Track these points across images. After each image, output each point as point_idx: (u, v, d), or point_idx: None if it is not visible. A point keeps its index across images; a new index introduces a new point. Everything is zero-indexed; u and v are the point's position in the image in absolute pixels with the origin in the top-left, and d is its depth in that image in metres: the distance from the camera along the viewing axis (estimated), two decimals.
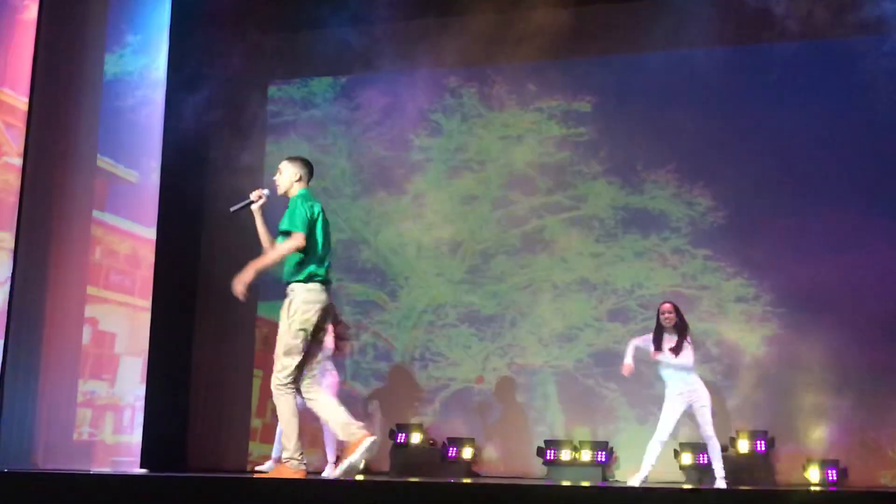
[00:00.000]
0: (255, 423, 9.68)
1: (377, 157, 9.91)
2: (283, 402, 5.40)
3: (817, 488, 7.47)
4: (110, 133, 8.59)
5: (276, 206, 5.87)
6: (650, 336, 7.55)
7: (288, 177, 5.72)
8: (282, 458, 5.51)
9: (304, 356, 5.44)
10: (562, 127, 9.54)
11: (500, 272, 9.50)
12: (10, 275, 7.78)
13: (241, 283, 5.48)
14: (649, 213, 9.23)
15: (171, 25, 9.12)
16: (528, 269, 9.44)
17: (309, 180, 5.74)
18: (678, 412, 7.38)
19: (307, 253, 5.48)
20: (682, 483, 8.11)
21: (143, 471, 8.05)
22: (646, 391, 8.64)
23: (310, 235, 5.49)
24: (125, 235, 8.68)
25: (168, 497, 4.86)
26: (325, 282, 5.53)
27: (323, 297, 5.50)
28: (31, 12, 8.20)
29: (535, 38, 9.10)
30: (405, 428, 8.97)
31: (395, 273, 9.69)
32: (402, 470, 8.70)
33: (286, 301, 5.50)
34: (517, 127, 9.67)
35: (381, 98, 9.86)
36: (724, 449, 8.23)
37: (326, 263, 5.56)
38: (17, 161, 7.92)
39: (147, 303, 8.67)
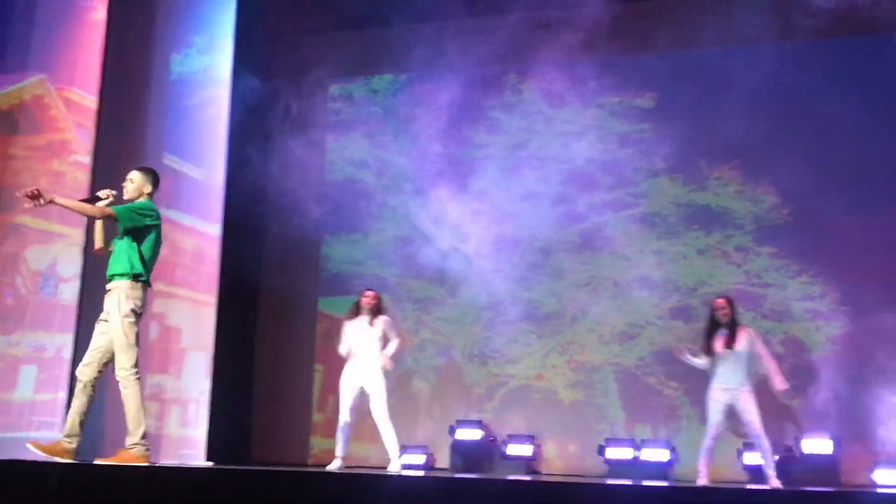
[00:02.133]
0: (317, 417, 9.78)
1: (437, 154, 9.93)
2: (133, 392, 5.75)
3: (885, 490, 7.31)
4: (176, 131, 8.73)
5: None
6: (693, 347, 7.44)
7: (136, 186, 6.01)
8: (126, 443, 5.76)
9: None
10: (624, 123, 9.48)
11: (559, 269, 9.47)
12: (80, 270, 7.95)
13: (35, 191, 5.65)
14: (713, 211, 9.13)
15: (235, 25, 9.23)
16: (588, 267, 9.39)
17: (154, 192, 6.04)
18: (721, 408, 7.27)
19: (134, 253, 5.80)
20: (746, 483, 8.00)
21: (209, 464, 8.17)
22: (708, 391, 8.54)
23: (139, 238, 5.83)
24: (191, 232, 8.81)
25: (234, 490, 4.93)
26: (147, 283, 5.88)
27: (142, 294, 5.85)
28: (99, 13, 8.36)
29: (598, 35, 9.03)
30: (465, 424, 8.97)
31: (455, 270, 9.70)
32: (462, 466, 8.72)
33: (113, 298, 5.80)
34: (578, 123, 9.62)
35: (442, 95, 9.88)
36: (788, 449, 8.13)
37: (150, 270, 5.90)
38: (87, 159, 8.09)
39: (212, 298, 8.79)
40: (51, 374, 7.76)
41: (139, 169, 6.09)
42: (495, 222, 9.62)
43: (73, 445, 5.80)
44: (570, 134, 9.63)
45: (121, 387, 5.80)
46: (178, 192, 8.70)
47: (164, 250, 7.94)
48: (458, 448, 8.85)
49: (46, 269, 7.95)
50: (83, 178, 8.05)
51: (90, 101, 8.20)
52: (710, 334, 7.39)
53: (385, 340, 7.65)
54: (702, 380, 8.19)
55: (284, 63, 10.09)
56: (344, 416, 7.54)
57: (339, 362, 9.41)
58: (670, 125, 9.25)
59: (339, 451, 7.53)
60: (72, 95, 8.23)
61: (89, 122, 8.16)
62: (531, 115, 9.82)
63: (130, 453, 5.71)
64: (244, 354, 9.76)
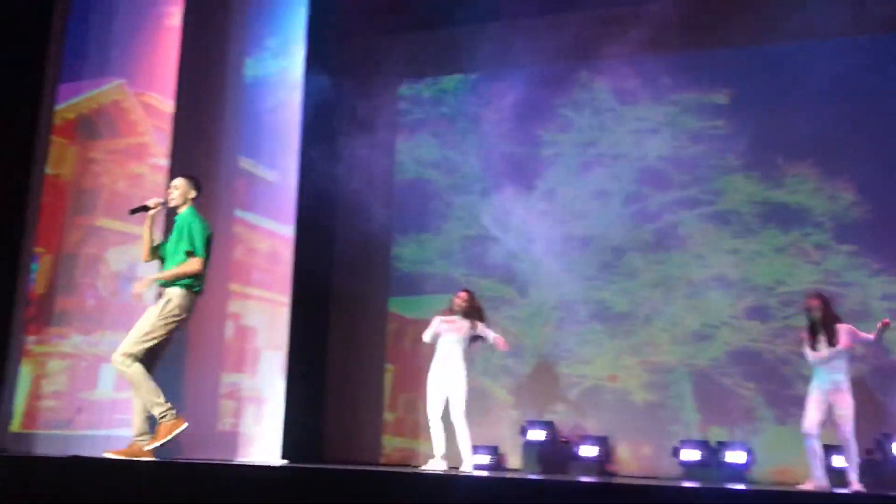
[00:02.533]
0: (388, 416, 9.84)
1: (506, 153, 9.90)
2: (134, 371, 5.85)
3: None
4: (250, 134, 8.86)
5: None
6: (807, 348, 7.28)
7: (182, 193, 6.17)
8: (157, 417, 5.86)
9: (157, 347, 5.94)
10: (697, 120, 9.34)
11: (632, 269, 9.36)
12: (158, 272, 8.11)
13: (140, 285, 6.13)
14: (790, 208, 8.94)
15: (307, 28, 9.33)
16: (661, 266, 9.27)
17: (198, 198, 6.22)
18: (819, 406, 7.12)
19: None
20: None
21: (284, 462, 8.27)
22: (785, 391, 8.38)
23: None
24: (265, 234, 8.93)
25: (309, 488, 4.98)
26: (200, 292, 6.05)
27: (191, 304, 6.01)
28: (175, 19, 8.52)
29: (669, 30, 8.93)
30: (536, 425, 8.94)
31: (525, 269, 9.67)
32: (534, 467, 8.69)
33: (163, 300, 5.96)
34: (651, 120, 9.50)
35: (510, 94, 9.84)
36: (869, 452, 7.92)
37: (203, 278, 6.05)
38: (165, 162, 8.25)
39: (285, 298, 8.90)
40: None
41: (183, 175, 6.28)
42: (565, 221, 9.56)
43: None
44: (642, 131, 9.52)
45: (120, 372, 5.90)
46: (253, 194, 8.83)
47: (239, 252, 8.10)
48: (530, 448, 8.82)
49: (126, 270, 8.13)
50: (161, 180, 8.22)
51: (167, 105, 8.37)
52: (813, 333, 7.24)
53: (468, 341, 7.56)
54: (778, 381, 8.05)
55: (354, 64, 10.17)
56: (432, 418, 7.44)
57: (410, 362, 9.49)
58: (745, 121, 9.09)
59: (436, 450, 7.43)
60: (149, 100, 8.41)
61: (166, 126, 8.32)
62: (602, 113, 9.73)
63: (165, 424, 5.84)
64: (316, 354, 9.86)
